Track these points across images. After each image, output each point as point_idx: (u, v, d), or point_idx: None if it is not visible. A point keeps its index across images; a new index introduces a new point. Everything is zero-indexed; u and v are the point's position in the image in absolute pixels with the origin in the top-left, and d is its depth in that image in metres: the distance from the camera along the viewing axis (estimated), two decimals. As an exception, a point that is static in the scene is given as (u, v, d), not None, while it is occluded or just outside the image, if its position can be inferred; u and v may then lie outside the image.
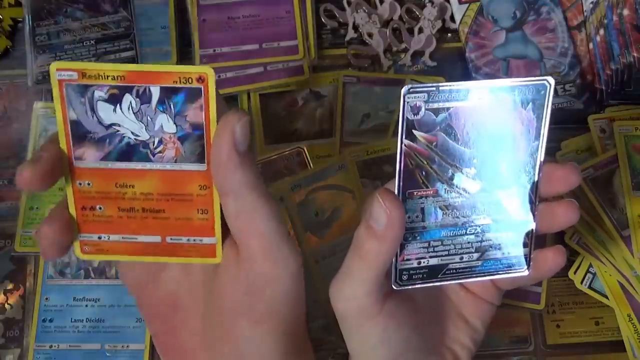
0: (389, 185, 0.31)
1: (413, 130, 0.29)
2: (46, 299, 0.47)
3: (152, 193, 0.30)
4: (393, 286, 0.31)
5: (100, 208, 0.30)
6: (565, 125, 0.51)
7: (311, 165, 0.49)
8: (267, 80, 0.51)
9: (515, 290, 0.47)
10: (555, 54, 0.52)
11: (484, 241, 0.32)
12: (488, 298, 0.36)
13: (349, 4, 0.54)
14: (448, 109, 0.29)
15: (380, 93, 0.51)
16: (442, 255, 0.32)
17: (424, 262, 0.31)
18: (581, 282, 0.48)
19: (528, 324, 0.48)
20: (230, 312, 0.31)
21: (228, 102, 0.52)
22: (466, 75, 0.52)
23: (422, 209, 0.31)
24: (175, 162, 0.29)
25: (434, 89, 0.29)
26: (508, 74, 0.52)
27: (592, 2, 0.52)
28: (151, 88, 0.28)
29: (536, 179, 0.31)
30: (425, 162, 0.30)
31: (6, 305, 0.48)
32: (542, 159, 0.31)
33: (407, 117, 0.29)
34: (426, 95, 0.29)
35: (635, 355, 0.46)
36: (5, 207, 0.50)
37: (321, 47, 0.53)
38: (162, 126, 0.29)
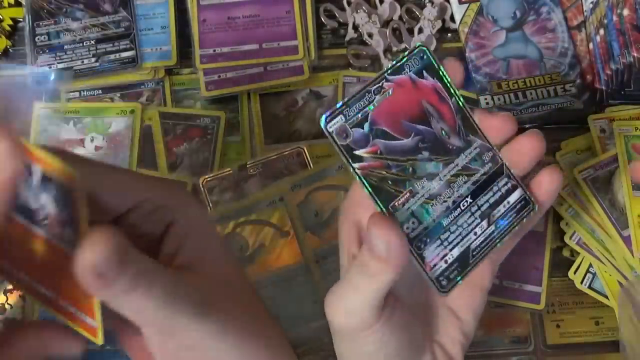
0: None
1: (354, 152, 0.29)
2: (46, 299, 0.47)
3: (45, 255, 0.27)
4: (440, 296, 0.31)
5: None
6: (565, 125, 0.51)
7: (311, 165, 0.49)
8: (267, 80, 0.51)
9: (515, 290, 0.47)
10: (555, 54, 0.52)
11: (480, 207, 0.32)
12: (476, 281, 0.35)
13: (349, 4, 0.54)
14: (367, 116, 0.30)
15: (380, 93, 0.51)
16: (458, 242, 0.31)
17: (449, 258, 0.31)
18: (581, 282, 0.48)
19: (528, 324, 0.48)
20: None
21: (228, 102, 0.52)
22: (466, 76, 0.52)
23: (413, 213, 0.30)
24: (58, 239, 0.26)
25: (344, 106, 0.29)
26: (508, 74, 0.52)
27: (592, 2, 0.52)
28: (33, 168, 0.24)
29: (478, 129, 0.32)
30: (385, 172, 0.30)
31: (6, 305, 0.48)
32: (469, 110, 0.32)
33: (341, 145, 0.29)
34: (342, 116, 0.29)
35: (635, 355, 0.46)
36: (5, 207, 0.50)
37: (321, 47, 0.53)
38: (45, 204, 0.25)
